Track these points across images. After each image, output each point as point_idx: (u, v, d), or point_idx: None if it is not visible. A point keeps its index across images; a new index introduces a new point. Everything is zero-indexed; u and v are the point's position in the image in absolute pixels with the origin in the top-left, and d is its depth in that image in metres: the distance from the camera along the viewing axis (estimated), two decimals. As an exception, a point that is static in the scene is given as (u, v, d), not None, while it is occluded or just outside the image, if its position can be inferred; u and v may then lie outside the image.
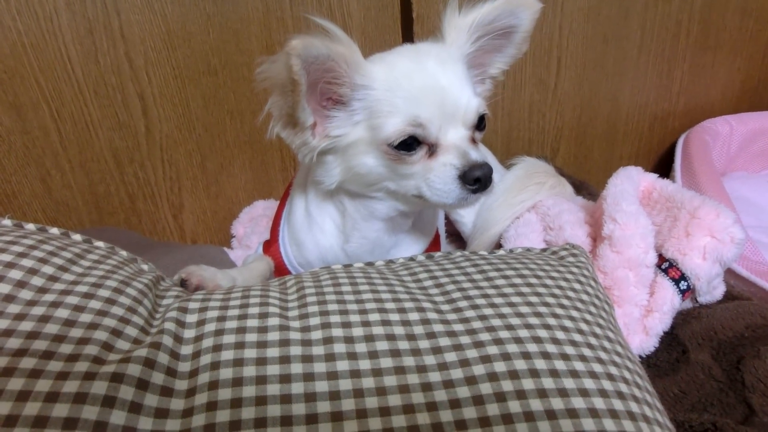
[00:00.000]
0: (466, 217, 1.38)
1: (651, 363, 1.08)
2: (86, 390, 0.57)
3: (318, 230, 1.12)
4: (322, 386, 0.63)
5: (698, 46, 1.96)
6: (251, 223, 1.65)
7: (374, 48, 1.01)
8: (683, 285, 1.08)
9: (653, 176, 1.26)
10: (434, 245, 1.22)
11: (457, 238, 1.48)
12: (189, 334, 0.70)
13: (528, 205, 1.32)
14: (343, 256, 1.12)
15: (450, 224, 1.46)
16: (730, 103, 2.12)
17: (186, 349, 0.68)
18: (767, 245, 1.62)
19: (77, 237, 0.87)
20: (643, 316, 1.08)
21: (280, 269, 1.16)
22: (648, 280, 1.09)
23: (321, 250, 1.13)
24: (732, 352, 1.04)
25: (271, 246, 1.18)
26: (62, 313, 0.66)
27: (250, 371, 0.64)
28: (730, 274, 1.33)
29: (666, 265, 1.10)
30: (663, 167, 2.09)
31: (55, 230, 0.87)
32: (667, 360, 1.07)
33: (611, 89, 1.93)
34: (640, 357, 1.08)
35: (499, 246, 1.31)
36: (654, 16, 1.85)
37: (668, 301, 1.07)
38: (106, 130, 1.48)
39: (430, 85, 0.93)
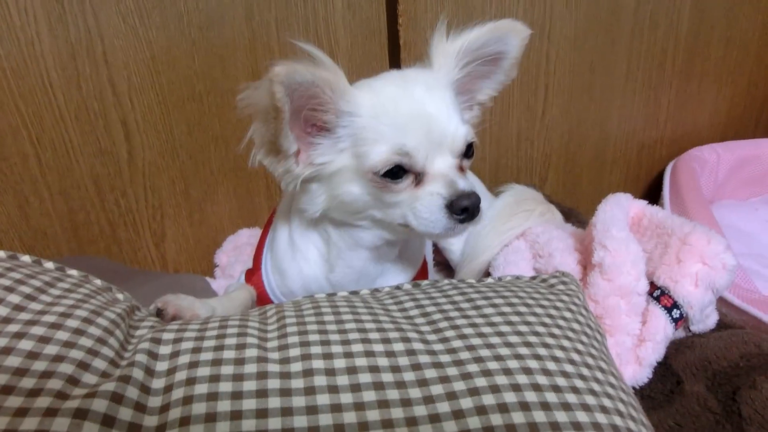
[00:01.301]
0: (455, 245, 1.35)
1: (645, 394, 1.05)
2: (46, 428, 0.54)
3: (302, 259, 1.09)
4: (300, 421, 0.60)
5: (684, 75, 1.98)
6: (235, 252, 1.62)
7: (362, 75, 0.99)
8: (676, 313, 1.05)
9: (643, 203, 1.24)
10: (422, 274, 1.19)
11: (446, 267, 1.46)
12: (161, 366, 0.67)
13: (517, 233, 1.30)
14: (327, 285, 1.09)
15: (438, 252, 1.44)
16: (717, 131, 2.13)
17: (157, 383, 0.64)
18: (758, 273, 1.61)
19: (49, 265, 0.84)
20: (636, 345, 1.06)
21: (263, 299, 1.13)
22: (640, 309, 1.06)
23: (305, 280, 1.09)
24: (727, 383, 1.01)
25: (253, 275, 1.15)
26: (26, 344, 0.63)
27: (224, 406, 0.61)
28: (721, 302, 1.31)
29: (658, 293, 1.07)
30: (651, 195, 2.08)
31: (26, 258, 0.83)
32: (662, 391, 1.04)
33: (599, 117, 1.93)
34: (634, 388, 1.05)
35: (487, 274, 1.29)
36: (640, 45, 1.86)
37: (661, 330, 1.04)
38: (87, 157, 1.45)
39: (416, 112, 0.91)
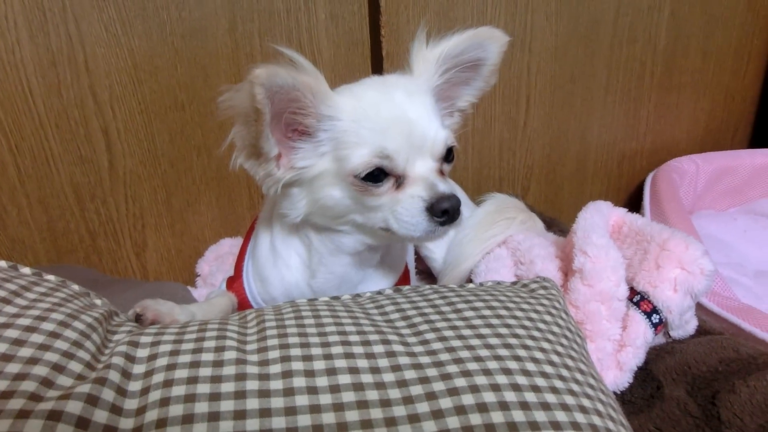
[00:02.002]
0: (437, 253, 1.35)
1: (626, 399, 1.05)
2: (18, 429, 0.53)
3: (283, 265, 1.08)
4: (279, 422, 0.59)
5: (662, 87, 2.01)
6: (217, 262, 1.60)
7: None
8: (655, 318, 1.06)
9: (622, 210, 1.26)
10: (403, 281, 1.19)
11: (428, 276, 1.45)
12: (139, 369, 0.66)
13: (498, 240, 1.31)
14: (309, 291, 1.08)
15: (420, 261, 1.43)
16: (696, 143, 2.16)
17: (134, 385, 0.64)
18: (736, 281, 1.62)
19: (26, 270, 0.83)
20: (617, 350, 1.06)
21: (244, 306, 1.12)
22: (620, 314, 1.07)
23: (286, 286, 1.09)
24: (707, 387, 1.01)
25: (234, 282, 1.14)
26: (-1, 347, 0.62)
27: (202, 407, 0.60)
28: (701, 310, 1.32)
29: (637, 298, 1.08)
30: (632, 205, 2.09)
31: (2, 263, 0.82)
32: (642, 396, 1.05)
33: (579, 128, 1.95)
34: (615, 393, 1.05)
35: (470, 281, 1.29)
36: (619, 57, 1.89)
37: (641, 334, 1.05)
38: (67, 165, 1.43)
39: (397, 116, 0.91)
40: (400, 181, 0.92)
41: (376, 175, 0.90)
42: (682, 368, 1.06)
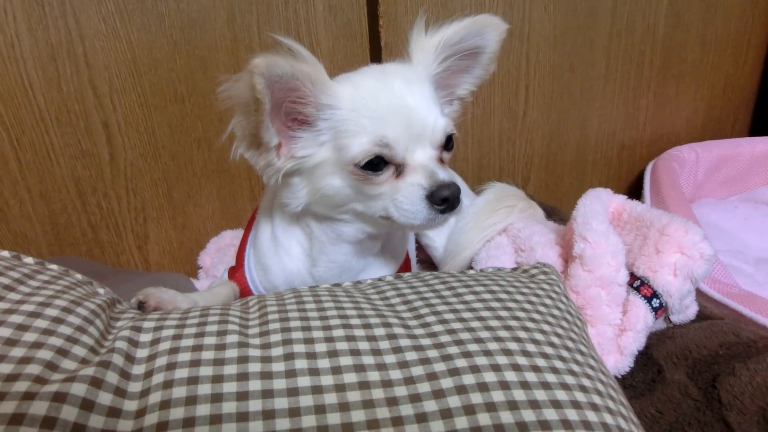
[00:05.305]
0: (437, 242, 1.36)
1: (627, 384, 1.05)
2: (24, 410, 0.53)
3: (284, 254, 1.09)
4: (281, 403, 0.60)
5: (662, 76, 2.01)
6: (218, 254, 1.61)
7: (343, 76, 1.00)
8: (655, 303, 1.07)
9: (622, 197, 1.26)
10: (404, 269, 1.19)
11: (429, 265, 1.46)
12: (142, 353, 0.67)
13: (499, 228, 1.31)
14: (310, 280, 1.09)
15: (421, 251, 1.44)
16: (695, 132, 2.17)
17: (138, 369, 0.64)
18: (737, 268, 1.63)
19: (29, 260, 0.84)
20: (617, 335, 1.06)
21: (246, 294, 1.12)
22: (620, 299, 1.07)
23: (287, 275, 1.09)
24: (707, 371, 1.02)
25: (236, 271, 1.15)
26: (4, 332, 0.63)
27: (205, 389, 0.61)
28: (702, 296, 1.33)
29: (638, 283, 1.09)
30: (632, 194, 2.07)
31: (5, 253, 0.83)
32: (643, 380, 1.05)
33: (579, 118, 1.95)
34: (616, 378, 1.05)
35: (470, 269, 1.29)
36: (618, 47, 1.89)
37: (641, 319, 1.05)
38: (68, 159, 1.44)
39: (396, 104, 0.91)
40: (399, 169, 0.92)
41: (376, 164, 0.90)
42: (683, 352, 1.07)
